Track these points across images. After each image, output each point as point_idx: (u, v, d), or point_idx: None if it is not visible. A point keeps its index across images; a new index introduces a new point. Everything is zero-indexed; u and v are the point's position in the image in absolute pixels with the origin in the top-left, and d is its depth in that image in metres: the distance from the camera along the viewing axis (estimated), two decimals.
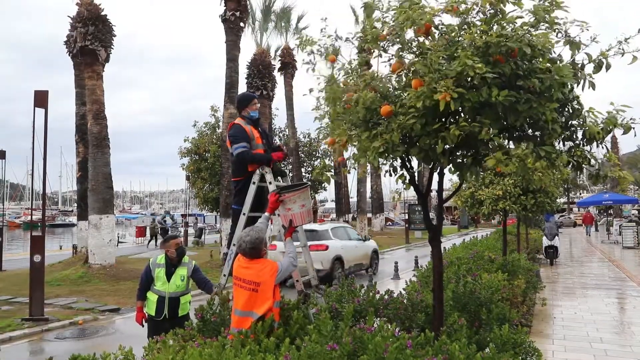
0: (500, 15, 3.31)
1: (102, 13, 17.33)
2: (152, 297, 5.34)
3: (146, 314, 5.44)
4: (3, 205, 38.68)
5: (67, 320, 10.12)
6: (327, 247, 13.80)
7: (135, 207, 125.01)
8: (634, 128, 3.47)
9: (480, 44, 3.12)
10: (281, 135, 33.06)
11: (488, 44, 3.10)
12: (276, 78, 26.26)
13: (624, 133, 3.49)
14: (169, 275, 5.34)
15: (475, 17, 3.42)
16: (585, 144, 3.58)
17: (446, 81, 2.98)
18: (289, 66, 31.61)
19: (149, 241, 31.00)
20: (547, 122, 3.12)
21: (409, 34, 3.46)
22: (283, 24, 30.55)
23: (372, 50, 3.79)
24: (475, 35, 3.18)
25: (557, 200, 12.59)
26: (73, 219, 56.33)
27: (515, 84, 3.14)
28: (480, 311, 4.63)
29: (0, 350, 8.24)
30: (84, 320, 10.26)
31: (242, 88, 21.47)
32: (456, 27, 3.43)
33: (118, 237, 30.02)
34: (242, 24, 20.34)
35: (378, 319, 4.20)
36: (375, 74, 3.70)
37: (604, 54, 3.29)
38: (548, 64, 3.18)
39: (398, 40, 3.50)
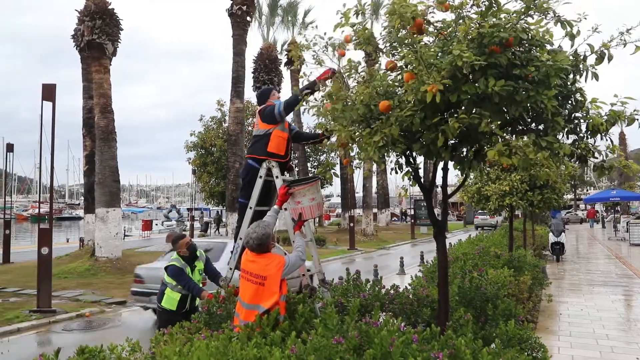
0: (496, 7, 3.28)
1: (109, 7, 17.37)
2: (174, 295, 5.35)
3: (162, 307, 5.44)
4: (11, 198, 38.96)
5: (74, 312, 10.21)
6: None
7: (142, 201, 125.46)
8: (637, 120, 3.45)
9: (475, 36, 3.10)
10: None
11: (482, 34, 3.08)
12: (282, 72, 26.25)
13: (628, 125, 3.47)
14: (191, 272, 5.40)
15: (470, 11, 3.40)
16: (589, 136, 3.55)
17: (434, 73, 2.97)
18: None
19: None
20: (549, 113, 3.10)
21: (402, 32, 3.44)
22: (289, 18, 30.54)
23: (368, 51, 3.78)
24: (470, 28, 3.16)
25: (564, 196, 12.52)
26: (80, 212, 56.75)
27: (513, 73, 3.12)
28: (486, 307, 4.62)
29: (8, 342, 8.32)
30: (91, 313, 10.34)
31: (248, 82, 21.51)
32: (452, 23, 3.42)
33: (124, 230, 30.22)
34: (248, 18, 20.33)
35: (384, 313, 4.20)
36: (374, 72, 3.70)
37: (605, 45, 3.25)
38: (548, 56, 3.15)
39: (390, 39, 3.49)
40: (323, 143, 4.65)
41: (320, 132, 4.38)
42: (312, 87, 4.62)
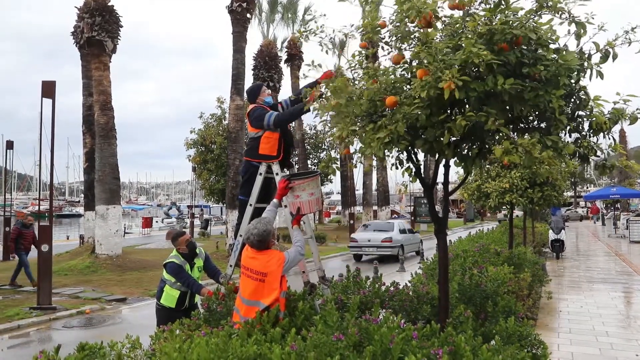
0: (504, 5, 3.27)
1: (109, 4, 17.34)
2: (173, 293, 5.34)
3: (161, 305, 5.44)
4: (11, 195, 38.97)
5: (75, 309, 10.23)
6: None
7: (142, 198, 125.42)
8: None
9: (484, 31, 3.09)
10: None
11: (492, 31, 3.07)
12: (282, 70, 26.21)
13: (630, 123, 3.46)
14: (190, 269, 5.40)
15: (477, 8, 3.39)
16: (591, 135, 3.55)
17: (451, 70, 2.96)
18: (295, 58, 31.54)
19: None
20: (553, 112, 3.09)
21: (410, 26, 3.43)
22: (289, 16, 30.47)
23: (376, 43, 3.77)
24: (479, 23, 3.14)
25: (564, 193, 12.52)
26: (80, 210, 56.74)
27: (521, 72, 3.11)
28: (486, 304, 4.63)
29: (9, 339, 8.33)
30: (91, 310, 10.36)
31: (248, 79, 21.47)
32: (459, 19, 3.40)
33: (125, 227, 30.25)
34: (248, 15, 20.28)
35: (384, 310, 4.20)
36: (379, 66, 3.69)
37: (610, 43, 3.24)
38: (554, 55, 3.14)
39: (399, 32, 3.47)
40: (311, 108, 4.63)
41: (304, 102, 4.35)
42: (314, 86, 4.63)
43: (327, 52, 4.05)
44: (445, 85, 2.93)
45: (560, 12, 3.19)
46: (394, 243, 18.26)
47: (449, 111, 3.32)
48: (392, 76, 3.54)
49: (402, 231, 19.50)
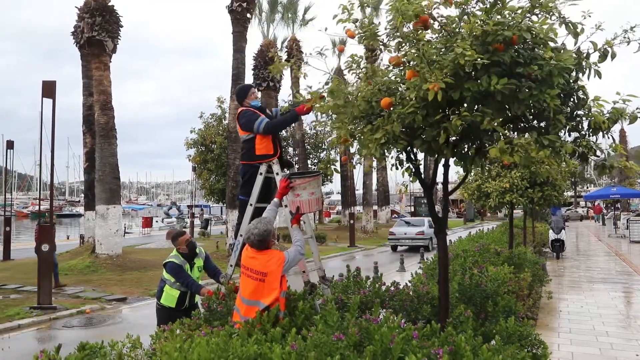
0: (501, 4, 3.27)
1: (109, 3, 17.35)
2: (173, 292, 5.34)
3: (161, 305, 5.43)
4: (11, 195, 38.99)
5: (75, 309, 10.23)
6: None
7: (142, 198, 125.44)
8: None
9: (479, 33, 3.09)
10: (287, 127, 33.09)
11: (486, 32, 3.07)
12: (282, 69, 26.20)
13: (630, 123, 3.46)
14: (190, 269, 5.40)
15: (475, 7, 3.39)
16: (590, 134, 3.54)
17: (436, 71, 2.96)
18: (295, 57, 31.53)
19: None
20: (551, 111, 3.09)
21: (408, 27, 3.43)
22: (290, 15, 30.49)
23: (373, 45, 3.77)
24: (475, 25, 3.14)
25: (564, 193, 12.51)
26: (80, 209, 56.74)
27: (516, 71, 3.11)
28: (486, 303, 4.63)
29: (9, 338, 8.33)
30: (91, 309, 10.36)
31: (248, 79, 21.48)
32: (456, 19, 3.40)
33: (125, 227, 30.24)
34: (248, 15, 20.28)
35: (384, 310, 4.21)
36: (376, 68, 3.69)
37: (609, 42, 3.24)
38: (551, 54, 3.14)
39: (397, 34, 3.47)
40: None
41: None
42: (295, 120, 4.65)
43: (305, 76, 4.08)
44: (431, 87, 2.93)
45: (550, 12, 3.19)
46: (426, 236, 22.76)
47: (446, 111, 3.32)
48: (387, 77, 3.55)
49: (431, 226, 22.52)
